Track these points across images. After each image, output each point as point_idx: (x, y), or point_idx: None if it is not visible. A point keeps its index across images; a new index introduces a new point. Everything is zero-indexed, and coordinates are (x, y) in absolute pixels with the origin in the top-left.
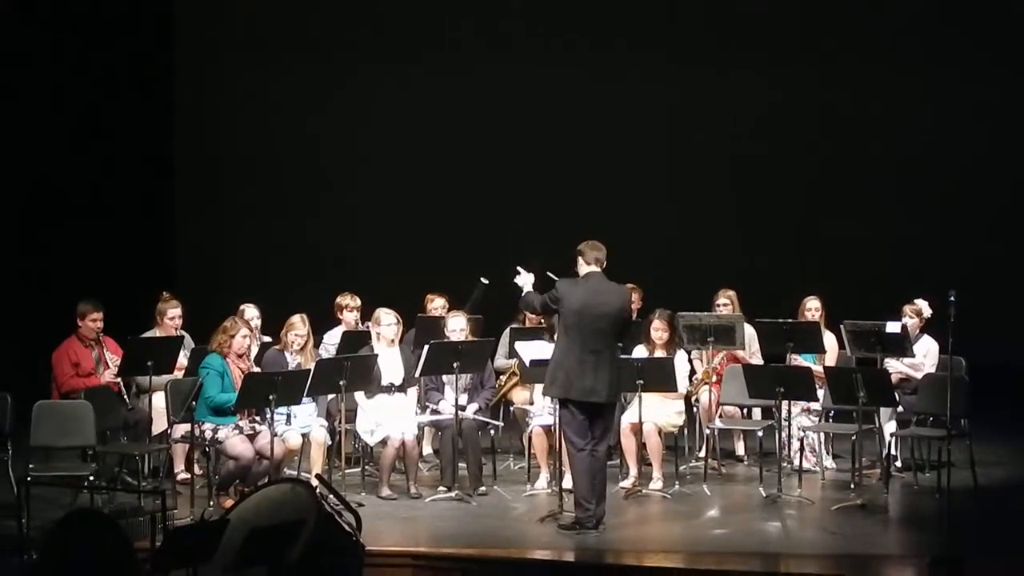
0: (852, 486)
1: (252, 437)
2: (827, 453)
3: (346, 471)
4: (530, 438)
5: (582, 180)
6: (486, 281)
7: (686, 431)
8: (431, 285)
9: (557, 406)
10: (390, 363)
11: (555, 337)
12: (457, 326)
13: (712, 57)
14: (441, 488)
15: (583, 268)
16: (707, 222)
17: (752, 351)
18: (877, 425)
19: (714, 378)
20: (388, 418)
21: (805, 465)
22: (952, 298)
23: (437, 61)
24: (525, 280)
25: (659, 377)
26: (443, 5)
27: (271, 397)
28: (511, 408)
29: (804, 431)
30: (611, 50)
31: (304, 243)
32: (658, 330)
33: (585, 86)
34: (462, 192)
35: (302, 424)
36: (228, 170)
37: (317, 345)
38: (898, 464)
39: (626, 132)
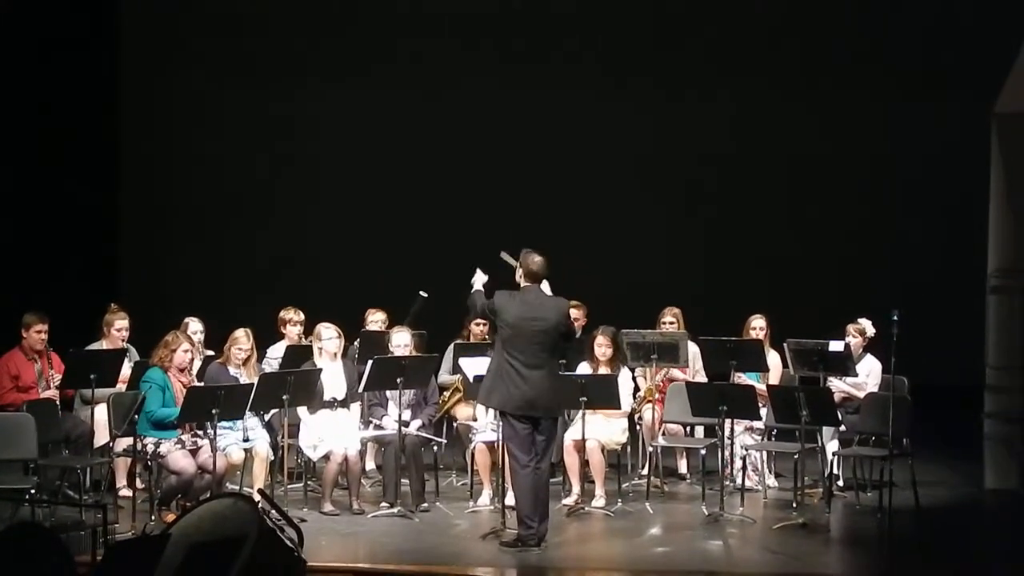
0: (794, 505)
1: (194, 452)
2: (769, 472)
3: (289, 486)
4: (473, 455)
5: (527, 197)
6: (425, 294)
7: (629, 448)
8: (372, 299)
9: (500, 422)
10: (333, 378)
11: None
12: (401, 342)
13: (666, 79)
14: (384, 504)
15: (521, 282)
16: (654, 241)
17: (696, 369)
18: (819, 444)
19: (657, 395)
20: (331, 433)
21: (747, 484)
22: (895, 318)
23: (381, 77)
24: (479, 279)
25: (603, 394)
26: (387, 18)
27: (214, 411)
28: (454, 424)
29: (747, 449)
30: (565, 69)
31: (249, 257)
32: (601, 346)
33: (534, 107)
34: (404, 206)
35: (249, 431)
36: (175, 183)
37: (260, 360)
38: (840, 483)
39: (573, 152)
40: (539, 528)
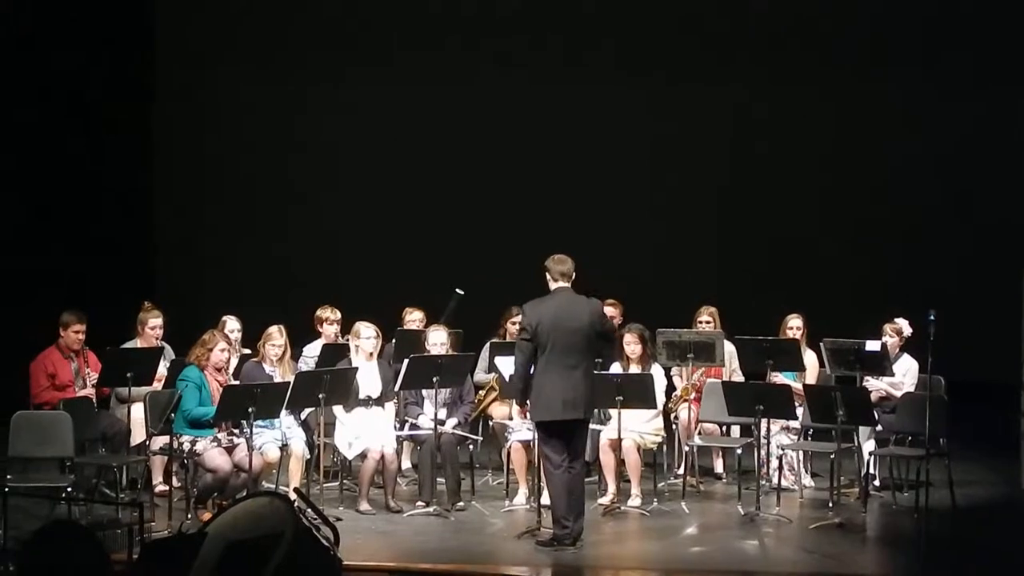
0: (830, 505)
1: (230, 450)
2: (806, 471)
3: (324, 485)
4: (509, 453)
5: (562, 196)
6: (461, 292)
7: (665, 448)
8: (409, 298)
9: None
10: (368, 377)
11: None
12: (438, 340)
13: (699, 73)
14: (419, 503)
15: (551, 284)
16: (691, 239)
17: (732, 368)
18: (856, 444)
19: (693, 395)
20: (367, 432)
21: (784, 483)
22: (932, 317)
23: (413, 73)
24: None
25: (638, 393)
26: (418, 19)
27: (250, 410)
28: (490, 423)
29: (783, 449)
30: (594, 65)
31: (285, 254)
32: (630, 344)
33: (567, 105)
34: (441, 205)
35: (285, 429)
36: (209, 180)
37: (296, 358)
38: (876, 483)
39: (608, 147)
40: (574, 527)
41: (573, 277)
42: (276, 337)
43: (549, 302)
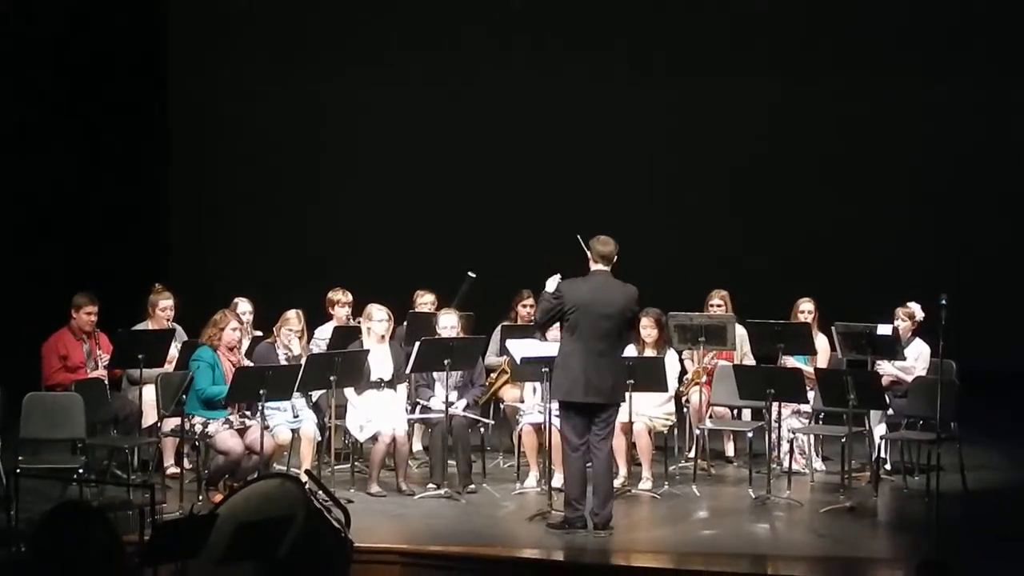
0: (841, 489)
1: (242, 432)
2: (816, 455)
3: (336, 467)
4: (520, 436)
5: (574, 179)
6: (473, 275)
7: (676, 431)
8: (421, 281)
9: (557, 403)
10: (380, 359)
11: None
12: (449, 323)
13: (711, 61)
14: (430, 485)
15: (591, 265)
16: (702, 223)
17: (743, 352)
18: (867, 428)
19: (704, 378)
20: (378, 414)
21: (794, 467)
22: (943, 302)
23: (430, 61)
24: (552, 282)
25: (650, 376)
26: (436, 7)
27: (261, 391)
28: (501, 406)
29: (794, 433)
30: (609, 51)
31: (298, 237)
32: (646, 328)
33: (581, 86)
34: (454, 189)
35: (298, 412)
36: (222, 166)
37: (308, 340)
38: (887, 467)
39: (619, 132)
40: (603, 512)
41: (614, 260)
42: (294, 322)
43: (586, 284)
